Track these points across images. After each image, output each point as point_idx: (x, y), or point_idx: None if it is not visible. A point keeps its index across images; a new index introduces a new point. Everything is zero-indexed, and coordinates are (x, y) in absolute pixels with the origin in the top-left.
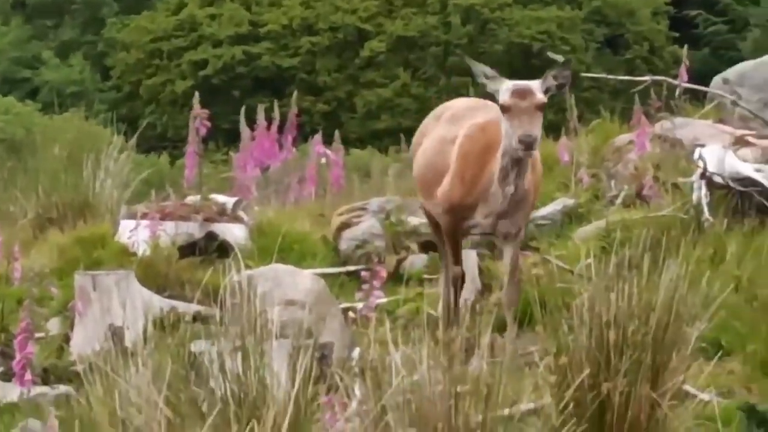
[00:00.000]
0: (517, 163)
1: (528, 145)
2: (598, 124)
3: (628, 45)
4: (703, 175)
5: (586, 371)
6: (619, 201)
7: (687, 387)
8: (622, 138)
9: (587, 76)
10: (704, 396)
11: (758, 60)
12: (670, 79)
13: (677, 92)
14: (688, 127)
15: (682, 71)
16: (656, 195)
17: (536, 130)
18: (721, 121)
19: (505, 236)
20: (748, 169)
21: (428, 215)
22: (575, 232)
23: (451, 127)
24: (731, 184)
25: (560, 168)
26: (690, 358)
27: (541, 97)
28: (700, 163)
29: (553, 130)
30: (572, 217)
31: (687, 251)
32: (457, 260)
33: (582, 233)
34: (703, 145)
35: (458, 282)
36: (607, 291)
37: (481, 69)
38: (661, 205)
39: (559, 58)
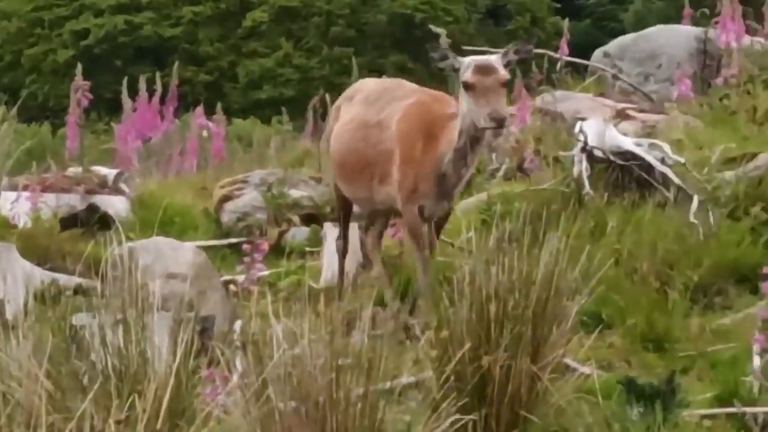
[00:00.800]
0: (476, 142)
1: (499, 122)
2: None
3: (510, 16)
4: (583, 149)
5: (467, 345)
6: (500, 174)
7: (567, 360)
8: None
9: (469, 48)
10: (584, 369)
11: (638, 33)
12: (551, 53)
13: (558, 65)
14: (569, 100)
15: (563, 44)
16: (537, 168)
17: (504, 107)
18: (601, 94)
19: (439, 217)
20: (628, 143)
21: (339, 196)
22: (457, 205)
23: (369, 109)
24: (612, 157)
25: None
26: (570, 332)
27: (504, 73)
28: (581, 137)
29: None
30: None
31: (567, 225)
32: (428, 260)
33: (463, 206)
34: (584, 119)
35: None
36: (488, 265)
37: (444, 45)
38: (541, 179)
39: (441, 31)
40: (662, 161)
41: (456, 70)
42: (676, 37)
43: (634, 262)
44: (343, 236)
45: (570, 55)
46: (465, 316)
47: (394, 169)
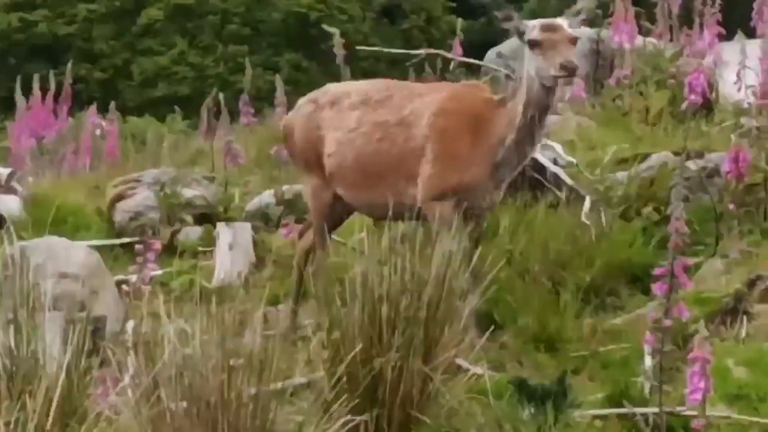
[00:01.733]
0: (544, 111)
1: (571, 70)
2: None
3: (405, 14)
4: None
5: (359, 346)
6: None
7: (459, 361)
8: None
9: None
10: (476, 370)
11: None
12: (444, 53)
13: (452, 65)
14: None
15: (456, 44)
16: None
17: (575, 57)
18: None
19: (486, 208)
20: None
21: (318, 203)
22: None
23: (380, 110)
24: None
25: None
26: (462, 333)
27: (572, 32)
28: None
29: None
30: None
31: (459, 225)
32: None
33: None
34: None
35: None
36: (380, 265)
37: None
38: None
39: (334, 30)
40: (554, 162)
41: (521, 33)
42: None
43: (526, 263)
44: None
45: (465, 54)
46: (357, 317)
47: (424, 165)
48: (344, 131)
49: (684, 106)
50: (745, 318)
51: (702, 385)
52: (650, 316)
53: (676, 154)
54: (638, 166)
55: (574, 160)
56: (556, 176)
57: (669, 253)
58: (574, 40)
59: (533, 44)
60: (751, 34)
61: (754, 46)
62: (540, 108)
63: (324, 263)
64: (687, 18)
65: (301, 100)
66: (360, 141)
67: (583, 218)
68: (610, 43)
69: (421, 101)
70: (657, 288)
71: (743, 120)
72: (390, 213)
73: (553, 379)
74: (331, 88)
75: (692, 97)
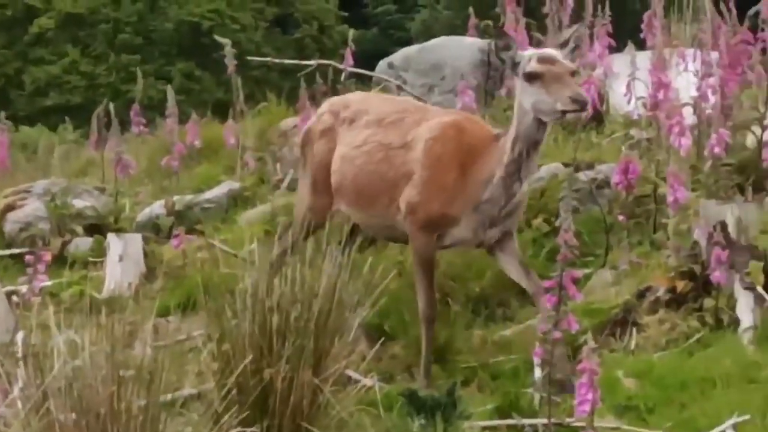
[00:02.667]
0: (535, 147)
1: (583, 103)
2: (265, 108)
3: (297, 24)
4: None
5: (249, 357)
6: (284, 185)
7: (349, 372)
8: (288, 122)
9: (256, 58)
10: (366, 381)
11: (422, 45)
12: (335, 63)
13: (343, 76)
14: None
15: (348, 55)
16: None
17: (583, 91)
18: None
19: (496, 243)
20: None
21: (307, 226)
22: (240, 215)
23: (389, 132)
24: None
25: (226, 151)
26: (352, 344)
27: (570, 63)
28: None
29: (219, 112)
30: (238, 201)
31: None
32: (433, 295)
33: (247, 217)
34: None
35: (431, 324)
36: (271, 276)
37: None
38: None
39: (225, 41)
40: None
41: (515, 65)
42: (460, 49)
43: None
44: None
45: (358, 64)
46: (247, 328)
47: (408, 188)
48: (350, 147)
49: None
50: (634, 329)
51: (590, 396)
52: (539, 327)
53: (566, 165)
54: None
55: None
56: None
57: (558, 264)
58: (574, 73)
59: (532, 77)
60: (641, 45)
61: (644, 58)
62: (529, 143)
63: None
64: None
65: (322, 108)
66: (361, 160)
67: None
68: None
69: (426, 125)
70: (546, 300)
71: (633, 131)
72: (385, 235)
73: (442, 391)
74: (353, 103)
75: None
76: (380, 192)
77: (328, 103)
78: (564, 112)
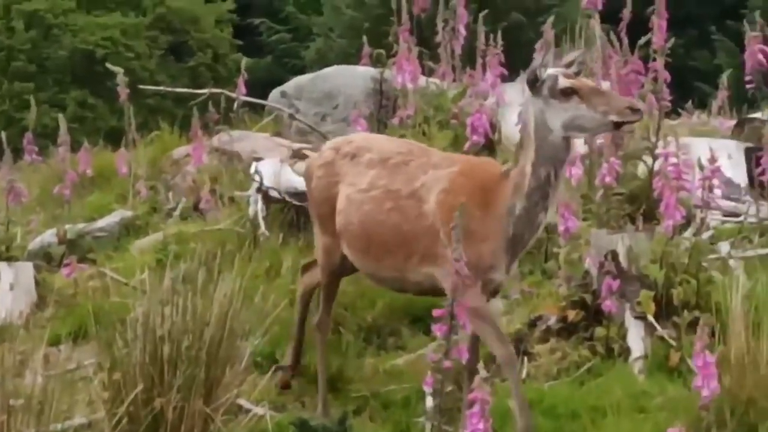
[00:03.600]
0: (561, 167)
1: (639, 111)
2: (157, 136)
3: (192, 52)
4: (259, 189)
5: (140, 386)
6: (176, 213)
7: (241, 401)
8: (180, 150)
9: (149, 87)
10: (258, 410)
11: (316, 74)
12: (228, 92)
13: (236, 104)
14: (247, 140)
15: (240, 83)
16: (213, 208)
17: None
18: (278, 134)
19: (501, 284)
20: (303, 184)
21: (332, 271)
22: (132, 244)
23: (394, 176)
24: (287, 198)
25: (118, 179)
26: (244, 373)
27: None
28: (257, 177)
29: (112, 140)
30: (130, 230)
31: (242, 265)
32: (502, 336)
33: (139, 246)
34: (260, 159)
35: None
36: (162, 305)
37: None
38: (217, 219)
39: (118, 69)
40: None
41: (541, 83)
42: (353, 78)
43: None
44: (326, 319)
45: (252, 92)
46: (138, 357)
47: (440, 249)
48: (355, 189)
49: (467, 146)
50: (525, 358)
51: (481, 426)
52: (430, 356)
53: None
54: None
55: None
56: None
57: (449, 293)
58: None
59: (567, 93)
60: None
61: None
62: (556, 163)
63: (325, 331)
64: (470, 58)
65: (325, 145)
66: (369, 206)
67: None
68: (393, 83)
69: (434, 174)
70: (437, 329)
71: None
72: (394, 287)
73: (334, 420)
74: (356, 139)
75: (475, 137)
76: (396, 245)
77: (332, 141)
78: (619, 124)
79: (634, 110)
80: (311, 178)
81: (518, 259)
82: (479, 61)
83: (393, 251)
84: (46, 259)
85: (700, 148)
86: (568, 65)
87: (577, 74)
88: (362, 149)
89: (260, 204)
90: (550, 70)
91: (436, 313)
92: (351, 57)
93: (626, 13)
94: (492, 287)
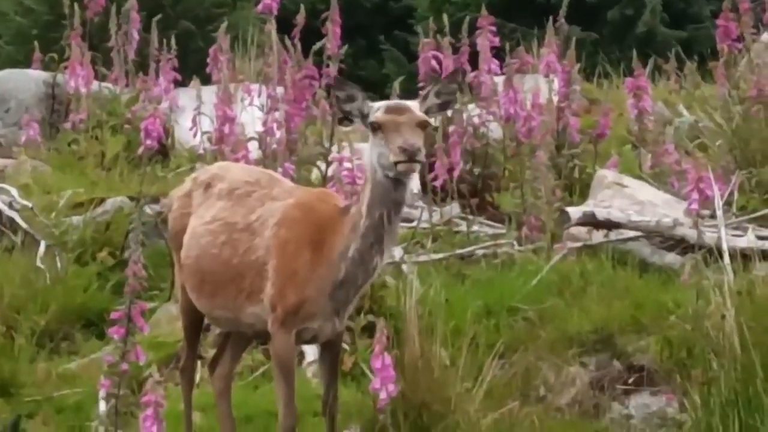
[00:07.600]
0: (396, 209)
1: (411, 154)
2: None
3: None
4: None
5: None
6: None
7: None
8: None
9: None
10: None
11: None
12: None
13: None
14: None
15: None
16: None
17: (419, 141)
18: None
19: (335, 336)
20: None
21: (189, 310)
22: None
23: (236, 208)
24: None
25: None
26: None
27: (421, 114)
28: None
29: None
30: None
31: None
32: (293, 404)
33: None
34: None
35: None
36: None
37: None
38: None
39: None
40: (10, 205)
41: (364, 116)
42: (24, 82)
43: None
44: (191, 364)
45: None
46: None
47: (266, 285)
48: (200, 224)
49: (140, 151)
50: (199, 363)
51: (155, 429)
52: (106, 359)
53: (131, 198)
54: (94, 210)
55: (30, 204)
56: (11, 220)
57: (126, 297)
58: (423, 124)
59: (375, 127)
60: (207, 80)
61: (209, 93)
62: (389, 204)
63: (191, 376)
64: (143, 64)
65: (189, 176)
66: (205, 240)
67: (38, 263)
68: (65, 87)
69: (270, 206)
70: (113, 332)
71: (198, 165)
72: (230, 327)
73: (6, 424)
74: (214, 167)
75: (148, 142)
76: (226, 281)
77: (197, 170)
78: (396, 164)
79: (403, 150)
80: (171, 209)
81: (353, 305)
82: (152, 66)
83: (224, 288)
84: None
85: None
86: (425, 97)
87: (442, 106)
88: (216, 178)
89: None
90: (379, 103)
91: (113, 315)
92: (19, 64)
93: (300, 19)
94: (308, 336)
